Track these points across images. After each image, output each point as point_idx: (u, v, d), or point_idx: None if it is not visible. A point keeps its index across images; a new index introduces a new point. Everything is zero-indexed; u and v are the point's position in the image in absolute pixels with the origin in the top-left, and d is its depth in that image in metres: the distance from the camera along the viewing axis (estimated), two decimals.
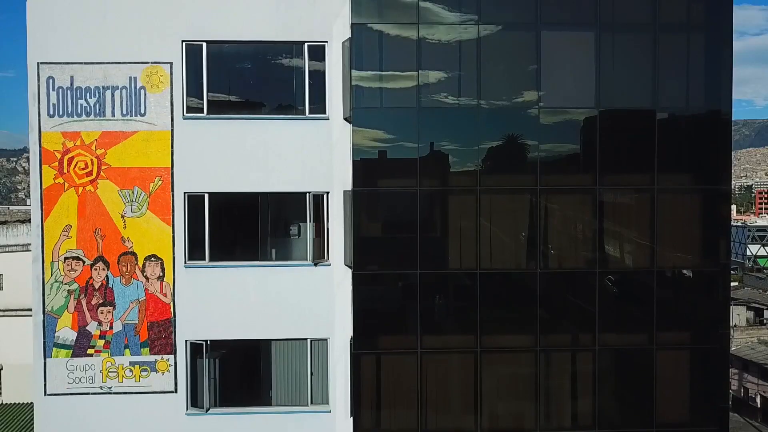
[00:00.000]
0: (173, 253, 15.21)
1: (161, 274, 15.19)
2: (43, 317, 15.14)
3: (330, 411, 15.47)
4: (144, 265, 15.16)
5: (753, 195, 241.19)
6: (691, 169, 14.54)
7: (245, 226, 15.80)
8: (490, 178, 14.19)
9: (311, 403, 15.56)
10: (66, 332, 15.16)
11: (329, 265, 15.40)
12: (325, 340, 15.50)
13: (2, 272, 30.62)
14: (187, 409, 15.36)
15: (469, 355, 14.26)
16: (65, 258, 15.07)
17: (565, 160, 14.40)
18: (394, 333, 14.50)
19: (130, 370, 15.26)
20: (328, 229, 15.45)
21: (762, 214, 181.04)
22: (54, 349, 15.18)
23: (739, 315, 65.29)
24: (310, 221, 15.32)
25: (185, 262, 15.21)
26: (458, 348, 14.39)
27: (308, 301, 15.34)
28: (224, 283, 15.28)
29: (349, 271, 14.77)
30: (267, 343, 15.59)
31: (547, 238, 14.27)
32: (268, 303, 15.30)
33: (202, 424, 15.39)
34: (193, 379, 15.43)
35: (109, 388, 15.25)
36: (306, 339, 15.48)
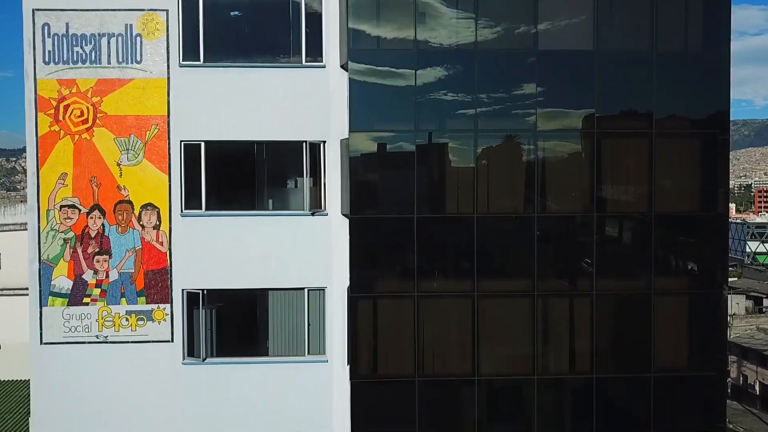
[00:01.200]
0: (169, 202, 15.15)
1: (157, 223, 15.12)
2: (39, 265, 15.07)
3: (327, 361, 15.40)
4: (140, 214, 15.10)
5: (752, 194, 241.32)
6: (690, 113, 14.48)
7: (242, 176, 15.72)
8: (488, 121, 14.11)
9: (308, 353, 15.48)
10: (62, 281, 15.09)
11: (326, 214, 15.34)
12: (323, 290, 15.44)
13: (0, 251, 30.55)
14: (183, 359, 15.28)
15: (466, 299, 14.18)
16: (61, 206, 15.00)
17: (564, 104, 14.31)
18: (391, 277, 14.41)
19: (126, 319, 15.19)
20: (324, 178, 15.38)
21: (761, 212, 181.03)
22: (50, 297, 15.11)
23: (738, 304, 65.21)
24: (306, 171, 15.25)
25: (182, 211, 15.15)
26: (455, 292, 14.30)
27: (305, 250, 15.28)
28: (221, 232, 15.22)
29: (347, 221, 14.71)
30: (264, 293, 15.51)
31: (545, 182, 14.19)
32: (265, 252, 15.22)
33: (198, 374, 15.33)
34: (189, 328, 15.36)
35: (105, 337, 15.18)
36: (303, 289, 15.41)
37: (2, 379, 29.20)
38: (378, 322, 14.35)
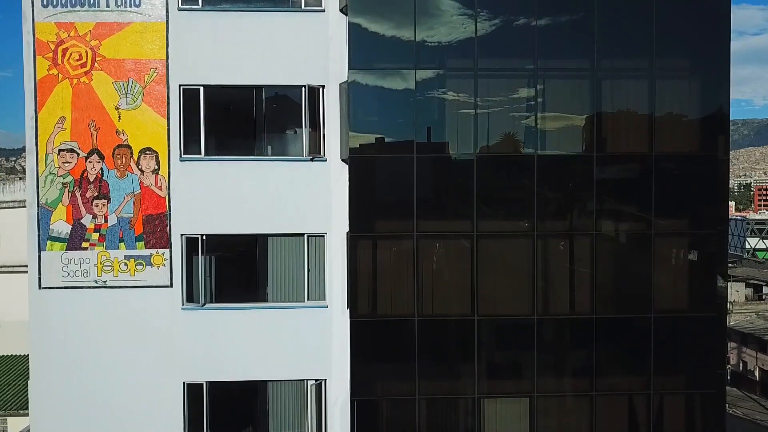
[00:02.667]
0: (168, 147, 15.10)
1: (156, 168, 15.09)
2: (37, 209, 15.03)
3: (327, 306, 15.35)
4: (139, 158, 15.06)
5: (752, 193, 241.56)
6: (689, 54, 14.45)
7: (241, 121, 15.66)
8: (488, 60, 14.09)
9: (308, 299, 15.43)
10: (60, 225, 15.05)
11: (325, 160, 15.29)
12: (322, 235, 15.39)
13: None
14: (183, 304, 15.24)
15: (465, 240, 14.14)
16: (59, 150, 14.96)
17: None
18: (390, 218, 14.36)
19: (125, 264, 15.14)
20: (323, 124, 15.33)
21: (761, 210, 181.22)
22: (48, 242, 15.06)
23: (738, 291, 65.32)
24: (305, 116, 15.19)
25: (180, 156, 15.11)
26: (455, 232, 14.26)
27: (305, 196, 15.24)
28: (220, 177, 15.18)
29: (345, 167, 14.67)
30: (263, 239, 15.47)
31: (545, 123, 14.15)
32: (264, 198, 15.18)
33: (197, 319, 15.28)
34: (188, 274, 15.31)
35: (104, 281, 15.13)
36: (303, 235, 15.36)
37: (2, 354, 29.20)
38: (377, 263, 14.30)
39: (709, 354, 14.47)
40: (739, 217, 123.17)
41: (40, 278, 15.12)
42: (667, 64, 14.26)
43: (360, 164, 14.21)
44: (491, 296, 14.25)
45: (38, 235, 15.06)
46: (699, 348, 14.45)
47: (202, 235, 15.19)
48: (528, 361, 14.25)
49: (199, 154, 15.18)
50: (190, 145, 15.19)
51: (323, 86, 15.22)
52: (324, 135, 15.34)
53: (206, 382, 15.26)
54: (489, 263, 14.20)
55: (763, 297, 65.36)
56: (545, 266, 14.26)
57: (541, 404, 14.30)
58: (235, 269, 15.72)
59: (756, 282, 66.90)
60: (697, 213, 14.45)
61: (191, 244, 15.22)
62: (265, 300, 15.54)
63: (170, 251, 15.17)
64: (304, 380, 15.44)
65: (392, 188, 14.45)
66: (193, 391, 15.30)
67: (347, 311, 14.68)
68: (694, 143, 14.48)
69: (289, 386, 15.58)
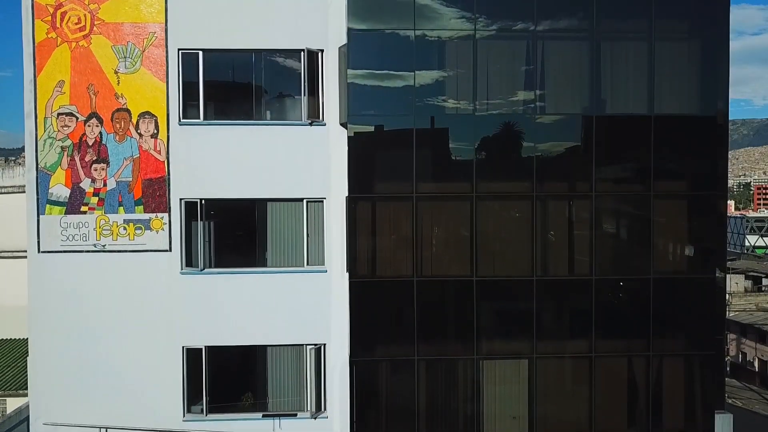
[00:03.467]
0: (167, 111, 15.09)
1: (155, 131, 15.08)
2: (36, 173, 15.02)
3: (326, 271, 15.33)
4: (138, 122, 15.05)
5: (751, 192, 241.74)
6: (689, 16, 14.46)
7: (240, 86, 15.66)
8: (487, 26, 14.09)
9: (307, 264, 15.42)
10: (59, 189, 15.04)
11: (324, 125, 15.28)
12: (321, 201, 15.38)
13: None
14: (182, 269, 15.22)
15: (464, 201, 14.13)
16: (58, 114, 14.95)
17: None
18: (390, 180, 14.36)
19: (124, 228, 15.13)
20: (323, 89, 15.32)
21: (761, 209, 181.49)
22: (47, 205, 15.05)
23: (737, 283, 65.31)
24: (305, 80, 15.18)
25: (180, 120, 15.10)
26: (454, 193, 14.25)
27: (304, 161, 15.23)
28: (219, 142, 15.17)
29: (344, 132, 14.66)
30: (263, 204, 15.46)
31: (544, 83, 14.15)
32: (263, 163, 15.18)
33: (196, 284, 15.27)
34: (187, 239, 15.31)
35: (103, 245, 15.12)
36: (302, 200, 15.35)
37: (2, 338, 29.22)
38: (377, 225, 14.30)
39: (708, 316, 14.46)
40: (738, 215, 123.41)
41: (39, 242, 15.11)
42: (666, 26, 14.26)
43: (359, 135, 14.14)
44: (490, 258, 14.23)
45: (37, 199, 15.04)
46: (698, 310, 14.45)
47: (201, 199, 15.19)
48: (527, 322, 14.23)
49: (198, 118, 15.18)
50: (189, 110, 15.19)
51: (322, 50, 15.21)
52: (323, 100, 15.33)
53: (205, 347, 15.25)
54: (488, 225, 14.19)
55: (762, 289, 65.36)
56: (544, 228, 14.23)
57: (540, 366, 14.27)
58: (234, 234, 15.70)
59: (755, 274, 66.92)
60: (696, 175, 14.44)
61: (190, 208, 15.22)
62: (265, 265, 15.52)
63: (169, 215, 15.16)
64: (303, 345, 15.43)
65: (392, 150, 14.40)
66: (192, 355, 15.29)
67: (346, 275, 14.66)
68: (693, 105, 14.46)
69: (289, 351, 15.56)
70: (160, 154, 15.09)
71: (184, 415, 15.31)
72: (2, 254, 29.55)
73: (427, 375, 14.26)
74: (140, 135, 15.06)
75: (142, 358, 15.20)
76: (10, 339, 29.03)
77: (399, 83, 14.28)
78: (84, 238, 15.09)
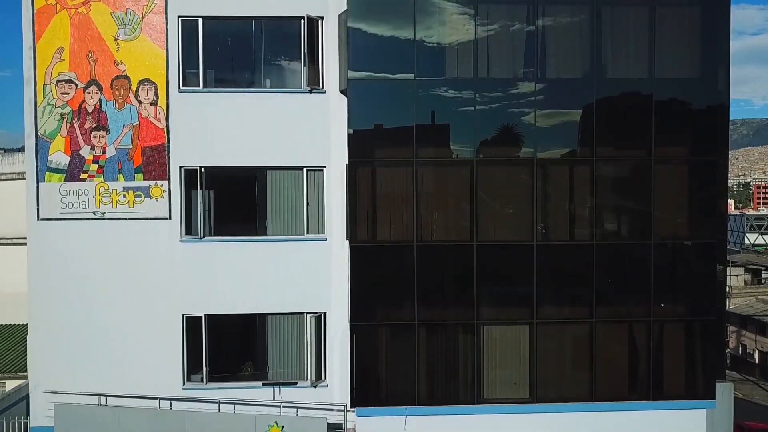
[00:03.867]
0: (167, 78, 15.06)
1: (155, 99, 15.04)
2: (36, 141, 14.98)
3: (326, 239, 15.30)
4: (137, 89, 15.02)
5: (751, 191, 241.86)
6: None
7: (240, 54, 15.60)
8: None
9: (307, 232, 15.38)
10: (59, 156, 15.01)
11: (324, 92, 15.25)
12: (321, 169, 15.35)
13: None
14: (181, 237, 15.18)
15: (465, 167, 14.10)
16: (58, 81, 14.92)
17: None
18: (390, 145, 14.32)
19: (124, 196, 15.10)
20: (322, 56, 15.28)
21: (761, 208, 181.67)
22: (47, 173, 15.02)
23: (737, 276, 65.36)
24: (304, 48, 15.14)
25: (179, 88, 15.08)
26: (455, 158, 14.22)
27: (304, 129, 15.20)
28: (218, 109, 15.15)
29: (344, 99, 14.62)
30: (262, 172, 15.44)
31: (545, 50, 14.11)
32: (263, 130, 15.15)
33: (196, 252, 15.24)
34: (187, 206, 15.29)
35: (103, 213, 15.08)
36: (302, 167, 15.32)
37: (2, 323, 29.19)
38: (377, 191, 14.24)
39: (709, 282, 14.43)
40: (738, 214, 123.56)
41: (38, 210, 15.07)
42: None
43: (360, 91, 14.13)
44: (491, 222, 14.19)
45: (36, 166, 15.01)
46: (699, 276, 14.42)
47: (201, 167, 15.16)
48: (528, 288, 14.19)
49: (198, 86, 15.15)
50: (188, 77, 15.16)
51: (322, 18, 15.18)
52: (323, 67, 15.29)
53: (205, 315, 15.22)
54: (489, 189, 14.14)
55: (762, 281, 65.40)
56: (545, 193, 14.20)
57: (541, 332, 14.23)
58: (234, 203, 15.65)
59: (755, 267, 66.97)
60: (696, 140, 14.41)
61: (190, 176, 15.18)
62: (265, 233, 15.49)
63: (169, 183, 15.13)
64: (303, 313, 15.40)
65: (391, 115, 14.34)
66: (191, 324, 15.27)
67: (346, 243, 14.62)
68: (694, 69, 14.43)
69: (289, 320, 15.53)
70: (159, 121, 15.05)
71: (183, 384, 15.27)
72: (2, 241, 29.46)
73: (428, 340, 14.22)
74: (140, 102, 15.02)
75: (142, 326, 15.17)
76: (10, 324, 28.98)
77: (398, 48, 14.16)
78: (83, 206, 15.06)
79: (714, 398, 14.44)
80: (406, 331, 14.15)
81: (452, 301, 14.34)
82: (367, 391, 14.13)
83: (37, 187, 15.02)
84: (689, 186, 14.45)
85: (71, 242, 15.04)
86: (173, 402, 15.00)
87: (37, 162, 14.97)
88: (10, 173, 30.76)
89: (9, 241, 28.91)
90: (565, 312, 14.41)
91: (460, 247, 14.13)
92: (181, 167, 15.11)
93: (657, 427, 14.40)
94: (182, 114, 15.08)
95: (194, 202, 15.29)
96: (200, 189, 15.20)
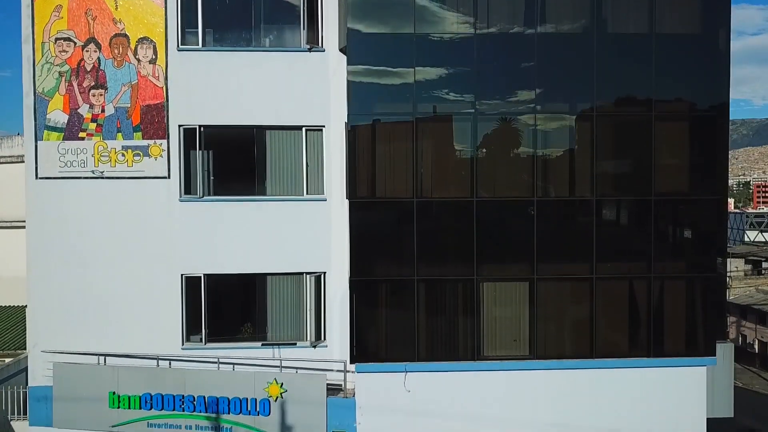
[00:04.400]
0: (166, 36, 15.01)
1: (154, 57, 14.99)
2: (34, 98, 14.93)
3: (326, 200, 15.26)
4: (136, 48, 14.97)
5: (751, 191, 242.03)
6: None
7: (239, 12, 15.49)
8: None
9: (307, 192, 15.34)
10: (57, 115, 14.96)
11: (323, 51, 15.19)
12: (321, 129, 15.30)
13: None
14: (180, 196, 15.13)
15: (465, 122, 14.05)
16: (56, 39, 14.86)
17: None
18: (390, 101, 14.24)
19: (123, 155, 15.05)
20: (322, 15, 15.22)
21: (760, 207, 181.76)
22: (45, 131, 14.97)
23: (737, 267, 65.34)
24: (304, 5, 15.10)
25: (178, 46, 15.02)
26: (455, 113, 14.17)
27: (303, 88, 15.15)
28: (217, 68, 15.10)
29: (344, 58, 14.57)
30: (261, 131, 15.38)
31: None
32: (263, 90, 15.10)
33: (195, 211, 15.20)
34: (186, 166, 15.23)
35: (101, 172, 15.03)
36: (301, 127, 15.27)
37: (2, 305, 29.21)
38: (377, 147, 14.19)
39: (710, 238, 14.38)
40: (738, 212, 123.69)
41: (36, 168, 15.02)
42: None
43: (359, 47, 14.06)
44: (491, 178, 14.13)
45: (35, 125, 14.96)
46: (699, 232, 14.37)
47: (200, 126, 15.10)
48: (528, 244, 14.13)
49: (197, 44, 15.11)
50: (187, 36, 15.11)
51: None
52: (322, 26, 15.24)
53: (204, 275, 15.18)
54: (489, 144, 14.09)
55: (762, 272, 65.37)
56: (545, 146, 14.13)
57: (541, 288, 14.18)
58: (233, 163, 15.59)
59: (755, 258, 66.97)
60: (698, 94, 14.37)
61: (189, 135, 15.13)
62: (264, 194, 15.43)
63: (168, 142, 15.08)
64: (302, 273, 15.35)
65: (391, 71, 14.28)
66: (190, 284, 15.23)
67: (346, 203, 14.55)
68: (694, 23, 14.37)
69: (288, 280, 15.49)
70: (158, 80, 15.00)
71: (183, 344, 15.23)
72: (1, 224, 29.41)
73: (427, 297, 14.16)
74: (138, 61, 14.97)
75: (141, 285, 15.12)
76: (9, 306, 28.95)
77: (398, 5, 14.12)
78: (82, 164, 15.02)
79: (714, 355, 14.37)
80: (405, 288, 14.10)
81: (452, 257, 14.29)
82: (367, 348, 14.09)
83: (36, 146, 14.94)
84: (690, 142, 14.39)
85: (70, 201, 15.00)
86: (172, 362, 14.94)
87: (35, 120, 14.91)
88: (8, 156, 30.71)
89: (8, 224, 28.86)
90: (566, 268, 14.34)
91: (460, 203, 14.07)
92: (180, 126, 15.06)
93: (658, 385, 14.34)
94: (181, 73, 15.03)
95: (193, 162, 15.23)
96: (199, 149, 15.13)
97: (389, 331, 14.22)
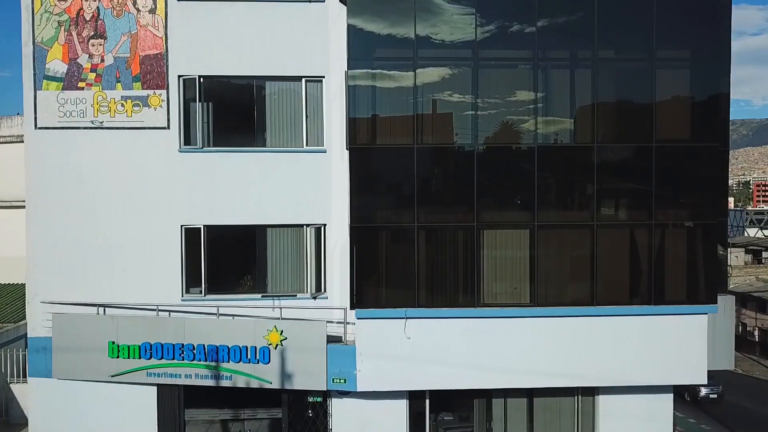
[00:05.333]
0: None
1: (153, 7, 14.96)
2: (33, 48, 14.89)
3: (325, 151, 15.21)
4: None
5: (751, 190, 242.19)
6: None
7: None
8: None
9: (307, 144, 15.29)
10: (56, 64, 14.92)
11: (323, 1, 15.13)
12: (321, 79, 15.25)
13: None
14: (180, 147, 15.09)
15: (465, 67, 14.01)
16: None
17: None
18: (390, 47, 14.18)
19: (122, 105, 15.01)
20: None
21: (760, 205, 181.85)
22: (44, 81, 14.93)
23: (737, 257, 65.42)
24: None
25: None
26: (455, 58, 14.13)
27: (303, 38, 15.10)
28: (216, 18, 15.05)
29: (344, 9, 14.51)
30: (261, 82, 15.34)
31: None
32: (261, 39, 15.03)
33: (195, 162, 15.15)
34: (186, 117, 15.19)
35: (101, 122, 15.00)
36: (301, 78, 15.23)
37: (2, 283, 29.25)
38: (377, 93, 14.13)
39: (711, 186, 14.32)
40: (738, 209, 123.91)
41: (36, 118, 14.98)
42: None
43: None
44: (491, 124, 14.09)
45: (34, 74, 14.91)
46: (701, 179, 14.30)
47: (199, 76, 15.06)
48: (529, 191, 14.08)
49: None
50: None
51: None
52: None
53: (204, 226, 15.14)
54: (489, 90, 14.04)
55: (762, 261, 65.40)
56: (546, 92, 14.08)
57: (542, 235, 14.13)
58: (233, 114, 15.56)
59: (755, 247, 67.02)
60: (698, 45, 14.31)
61: (189, 85, 15.09)
62: (264, 145, 15.39)
63: (167, 92, 15.04)
64: (303, 225, 15.30)
65: (391, 18, 14.19)
66: (190, 235, 15.19)
67: (346, 154, 14.50)
68: None
69: (288, 232, 15.45)
70: (158, 30, 14.96)
71: (182, 295, 15.18)
72: (2, 204, 29.39)
73: (427, 244, 14.11)
74: (138, 10, 14.94)
75: (140, 237, 15.08)
76: (9, 284, 28.98)
77: None
78: (81, 115, 14.98)
79: (716, 303, 14.33)
80: (405, 234, 14.05)
81: (452, 203, 14.24)
82: (367, 294, 14.04)
83: (35, 96, 14.90)
84: (691, 88, 14.34)
85: (69, 151, 14.96)
86: (172, 313, 14.90)
87: (34, 70, 14.87)
88: (8, 136, 30.67)
89: (8, 204, 28.83)
90: (566, 216, 14.29)
91: (461, 149, 14.03)
92: (179, 76, 15.02)
93: (659, 333, 14.29)
94: (181, 22, 14.99)
95: (193, 113, 15.19)
96: (199, 100, 15.09)
97: (389, 277, 14.16)
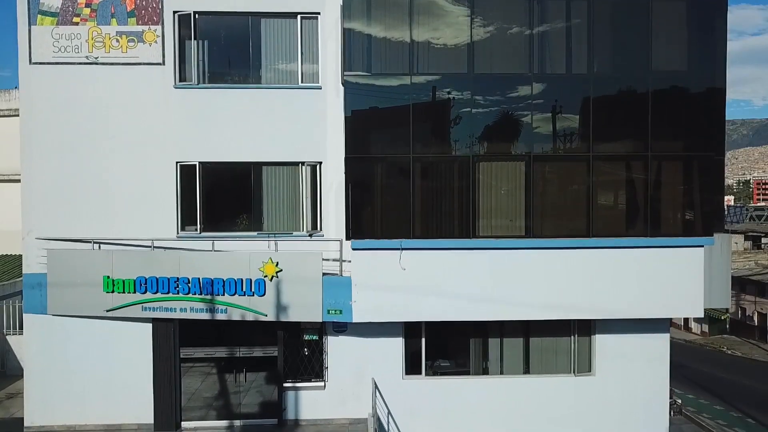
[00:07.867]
0: None
1: None
2: None
3: (320, 88, 15.16)
4: None
5: (751, 189, 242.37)
6: None
7: None
8: None
9: (302, 81, 15.25)
10: None
11: None
12: (316, 16, 15.22)
13: None
14: (175, 83, 15.04)
15: (462, 28, 13.94)
16: None
17: None
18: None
19: (117, 41, 14.96)
20: None
21: (760, 203, 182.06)
22: (39, 16, 14.88)
23: (737, 243, 65.40)
24: None
25: None
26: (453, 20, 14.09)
27: None
28: None
29: None
30: (257, 19, 15.28)
31: None
32: None
33: (190, 99, 15.10)
34: (181, 54, 15.13)
35: (96, 58, 14.94)
36: (296, 15, 15.21)
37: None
38: (372, 27, 14.05)
39: (708, 117, 14.26)
40: (739, 206, 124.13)
41: (30, 53, 14.92)
42: None
43: None
44: (487, 54, 14.03)
45: (28, 8, 14.86)
46: (697, 111, 14.24)
47: (194, 12, 15.03)
48: (524, 121, 14.03)
49: None
50: None
51: None
52: None
53: (199, 163, 15.10)
54: (485, 24, 13.98)
55: (762, 247, 65.41)
56: (542, 24, 14.03)
57: (538, 167, 14.08)
58: (228, 50, 15.52)
59: (755, 234, 67.06)
60: None
61: (184, 21, 15.04)
62: (259, 82, 15.33)
63: (162, 28, 14.99)
64: (298, 163, 15.26)
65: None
66: (186, 172, 15.15)
67: (341, 91, 14.42)
68: None
69: (284, 170, 15.40)
70: None
71: (178, 233, 15.12)
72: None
73: (423, 176, 14.05)
74: None
75: (135, 173, 15.03)
76: (4, 254, 28.98)
77: None
78: (76, 50, 14.92)
79: (712, 236, 14.27)
80: (401, 166, 13.99)
81: (447, 135, 14.18)
82: (363, 225, 13.99)
83: (29, 30, 14.85)
84: (688, 20, 14.28)
85: (64, 87, 14.91)
86: (167, 249, 14.84)
87: (28, 4, 14.81)
88: (5, 109, 30.63)
89: (7, 177, 28.77)
90: (563, 147, 14.23)
91: (457, 79, 13.97)
92: (174, 12, 14.99)
93: (655, 266, 14.23)
94: None
95: (188, 48, 15.14)
96: (194, 37, 15.04)
97: (385, 209, 14.11)
